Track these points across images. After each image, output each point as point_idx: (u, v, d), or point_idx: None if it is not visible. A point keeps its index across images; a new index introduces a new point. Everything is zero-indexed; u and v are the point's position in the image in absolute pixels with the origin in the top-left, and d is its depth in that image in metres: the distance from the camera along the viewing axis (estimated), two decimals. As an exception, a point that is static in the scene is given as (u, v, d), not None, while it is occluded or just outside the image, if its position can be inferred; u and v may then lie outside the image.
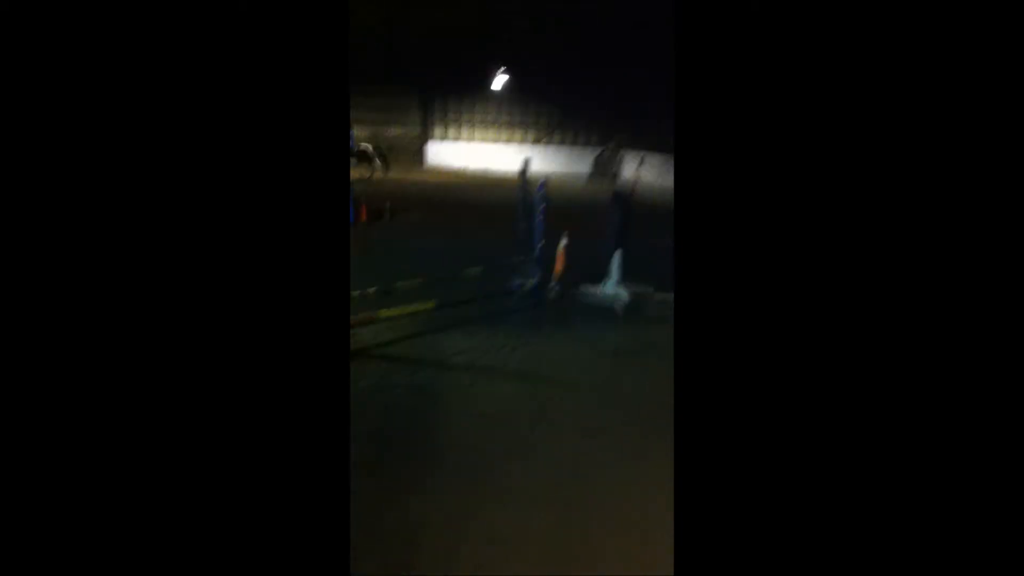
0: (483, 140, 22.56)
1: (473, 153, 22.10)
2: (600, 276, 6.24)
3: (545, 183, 6.84)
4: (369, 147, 17.06)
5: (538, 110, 22.26)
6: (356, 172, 15.77)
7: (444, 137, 22.65)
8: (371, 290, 5.51)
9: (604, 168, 19.87)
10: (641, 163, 8.16)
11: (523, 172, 8.14)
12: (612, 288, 6.23)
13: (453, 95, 22.19)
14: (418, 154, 22.51)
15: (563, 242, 6.38)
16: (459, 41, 18.57)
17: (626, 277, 6.22)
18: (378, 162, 16.70)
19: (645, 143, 17.49)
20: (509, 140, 22.59)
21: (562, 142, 22.24)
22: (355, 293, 5.09)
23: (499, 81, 21.73)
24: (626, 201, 6.34)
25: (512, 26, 17.31)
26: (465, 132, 22.81)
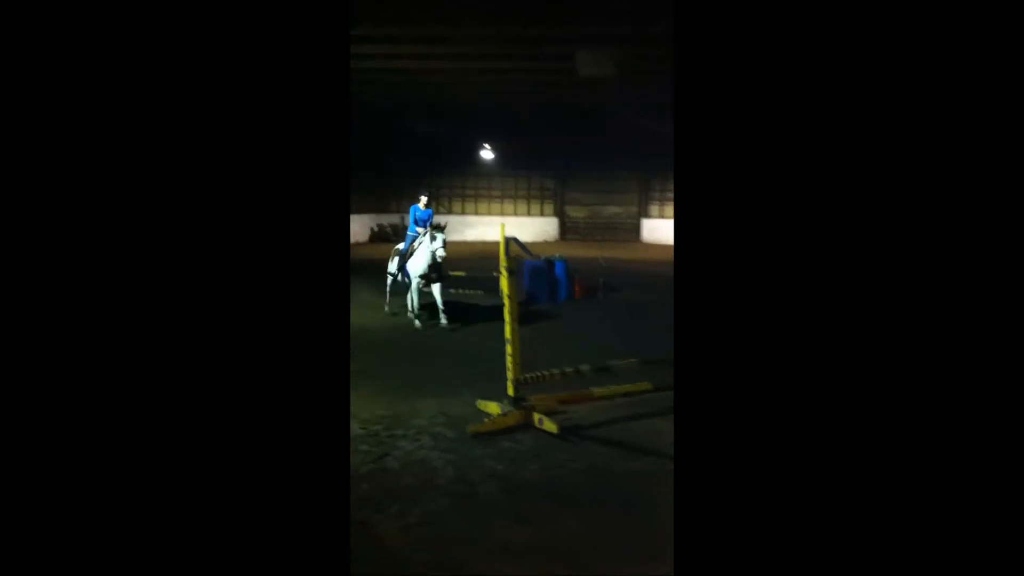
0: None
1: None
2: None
3: None
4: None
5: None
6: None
7: (661, 215, 22.55)
8: (585, 367, 5.36)
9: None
10: None
11: None
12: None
13: (672, 172, 22.06)
14: (635, 231, 22.53)
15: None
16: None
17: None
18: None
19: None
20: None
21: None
22: (570, 369, 4.96)
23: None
24: None
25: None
26: (670, 208, 22.52)
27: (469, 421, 4.51)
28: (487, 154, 21.74)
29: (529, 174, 23.11)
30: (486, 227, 20.29)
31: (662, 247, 20.86)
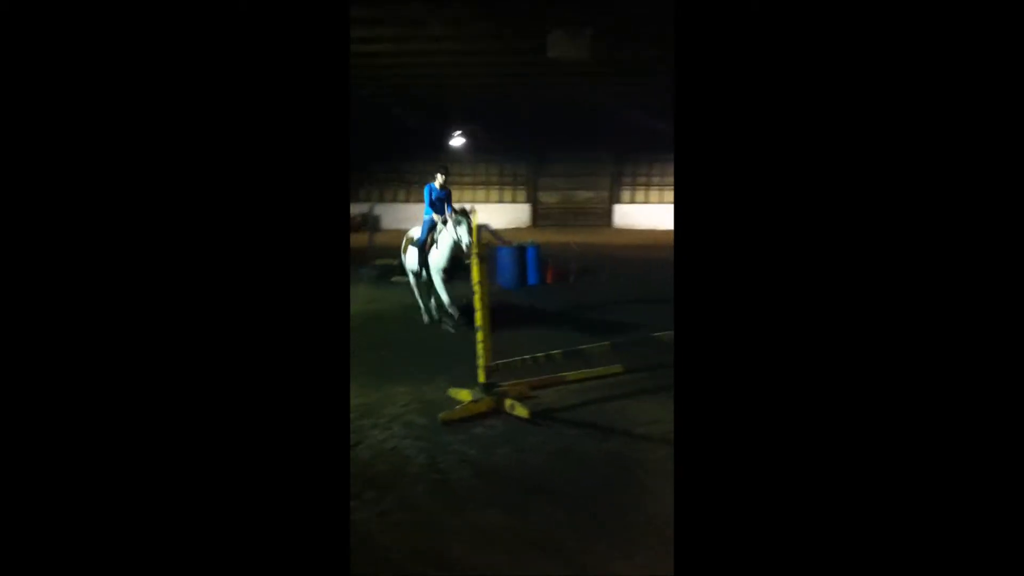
0: (668, 202, 22.21)
1: (661, 214, 21.79)
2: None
3: None
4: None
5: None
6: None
7: (632, 200, 22.64)
8: (556, 352, 5.39)
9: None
10: None
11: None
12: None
13: (643, 158, 22.21)
14: (606, 217, 22.60)
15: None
16: (650, 106, 18.58)
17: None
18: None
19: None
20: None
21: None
22: (541, 355, 4.98)
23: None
24: None
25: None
26: (653, 194, 22.63)
27: (442, 408, 4.52)
28: (458, 140, 21.62)
29: (501, 160, 23.05)
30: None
31: (634, 232, 21.01)
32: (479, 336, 4.61)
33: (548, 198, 23.48)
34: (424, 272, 7.24)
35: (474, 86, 16.76)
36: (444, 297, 7.02)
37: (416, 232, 7.48)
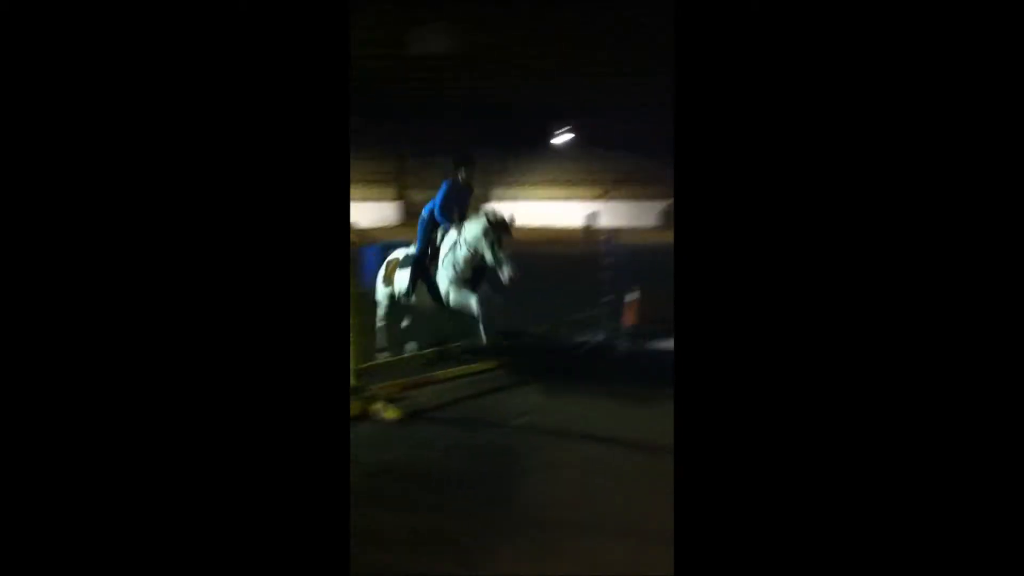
0: (545, 198, 22.59)
1: (534, 211, 22.12)
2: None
3: (612, 237, 6.59)
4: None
5: (602, 166, 22.26)
6: None
7: (504, 197, 22.82)
8: (429, 351, 5.25)
9: (671, 221, 19.75)
10: None
11: (588, 227, 7.93)
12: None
13: (513, 154, 22.44)
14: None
15: (632, 296, 6.02)
16: (521, 100, 18.79)
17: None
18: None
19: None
20: (570, 197, 22.53)
21: (627, 198, 22.06)
22: (410, 355, 4.82)
23: (561, 138, 21.85)
24: None
25: (574, 85, 17.39)
26: (526, 190, 22.94)
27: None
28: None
29: (366, 158, 22.52)
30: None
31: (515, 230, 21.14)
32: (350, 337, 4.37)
33: (419, 196, 23.22)
34: (430, 295, 5.26)
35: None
36: (480, 323, 5.01)
37: (402, 252, 5.63)
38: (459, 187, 5.27)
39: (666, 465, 3.63)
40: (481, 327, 4.97)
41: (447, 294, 5.10)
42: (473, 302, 4.97)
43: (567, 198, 22.53)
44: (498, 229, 4.83)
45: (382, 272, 5.69)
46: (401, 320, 5.75)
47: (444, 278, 5.10)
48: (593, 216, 6.85)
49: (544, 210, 21.99)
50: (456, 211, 5.24)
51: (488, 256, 4.81)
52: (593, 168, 22.41)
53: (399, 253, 5.66)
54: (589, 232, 7.65)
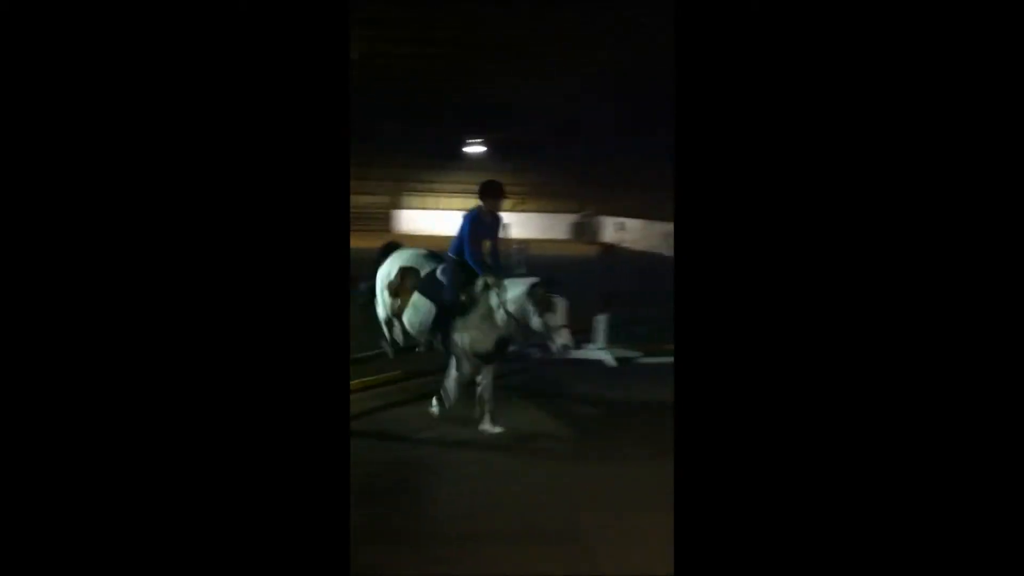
0: (457, 208, 22.53)
1: (445, 220, 22.00)
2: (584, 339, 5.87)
3: (522, 247, 6.64)
4: None
5: (515, 178, 22.40)
6: None
7: (413, 205, 22.64)
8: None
9: (582, 233, 20.06)
10: (622, 228, 7.99)
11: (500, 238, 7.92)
12: (597, 352, 5.94)
13: (425, 163, 22.30)
14: (386, 221, 22.36)
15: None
16: (433, 109, 18.70)
17: (611, 340, 5.99)
18: None
19: (620, 210, 17.74)
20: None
21: (536, 210, 22.29)
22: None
23: (472, 148, 21.87)
24: (608, 265, 6.09)
25: (486, 94, 17.46)
26: (435, 200, 22.83)
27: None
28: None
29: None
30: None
31: (421, 238, 20.94)
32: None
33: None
34: (441, 344, 4.36)
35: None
36: (452, 389, 4.30)
37: (419, 259, 4.63)
38: (485, 221, 4.32)
39: (567, 470, 3.70)
40: (449, 389, 4.27)
41: (448, 343, 4.27)
42: (454, 374, 4.25)
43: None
44: (546, 289, 3.98)
45: (389, 277, 4.69)
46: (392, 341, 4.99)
47: (467, 335, 4.17)
48: (504, 227, 6.84)
49: (455, 220, 21.94)
50: (489, 249, 4.35)
51: (534, 322, 3.95)
52: (506, 179, 22.60)
53: (412, 259, 4.65)
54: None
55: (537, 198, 22.50)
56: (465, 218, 4.33)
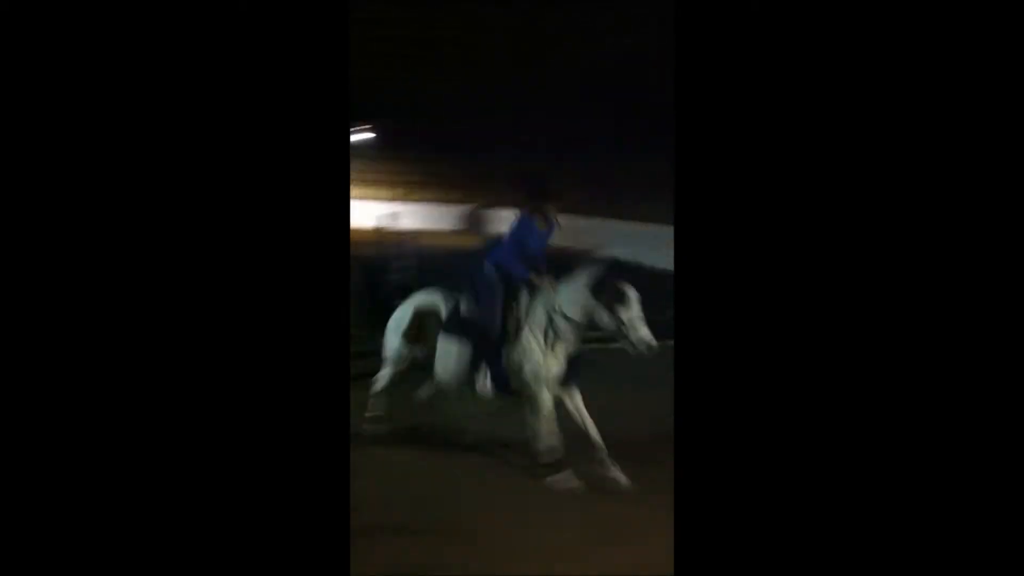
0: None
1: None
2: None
3: (407, 239, 6.55)
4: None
5: (404, 167, 22.04)
6: None
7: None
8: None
9: (473, 225, 20.00)
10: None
11: (382, 228, 7.73)
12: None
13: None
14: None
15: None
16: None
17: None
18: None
19: (516, 202, 17.87)
20: (364, 197, 22.07)
21: (427, 200, 22.06)
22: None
23: (360, 136, 21.32)
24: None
25: (378, 80, 17.01)
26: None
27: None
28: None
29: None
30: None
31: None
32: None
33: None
34: (487, 386, 3.59)
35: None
36: (543, 438, 3.48)
37: (437, 299, 3.88)
38: (535, 228, 3.64)
39: (474, 464, 3.61)
40: (545, 435, 3.47)
41: (498, 383, 3.53)
42: (546, 406, 3.45)
43: (365, 198, 22.09)
44: (621, 292, 3.29)
45: (404, 322, 3.94)
46: (416, 388, 4.18)
47: (536, 365, 3.45)
48: (393, 217, 6.70)
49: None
50: (539, 260, 3.62)
51: (604, 321, 3.31)
52: (395, 169, 22.15)
53: (429, 299, 3.93)
54: (383, 234, 7.48)
55: (429, 188, 22.27)
56: (513, 226, 3.66)
